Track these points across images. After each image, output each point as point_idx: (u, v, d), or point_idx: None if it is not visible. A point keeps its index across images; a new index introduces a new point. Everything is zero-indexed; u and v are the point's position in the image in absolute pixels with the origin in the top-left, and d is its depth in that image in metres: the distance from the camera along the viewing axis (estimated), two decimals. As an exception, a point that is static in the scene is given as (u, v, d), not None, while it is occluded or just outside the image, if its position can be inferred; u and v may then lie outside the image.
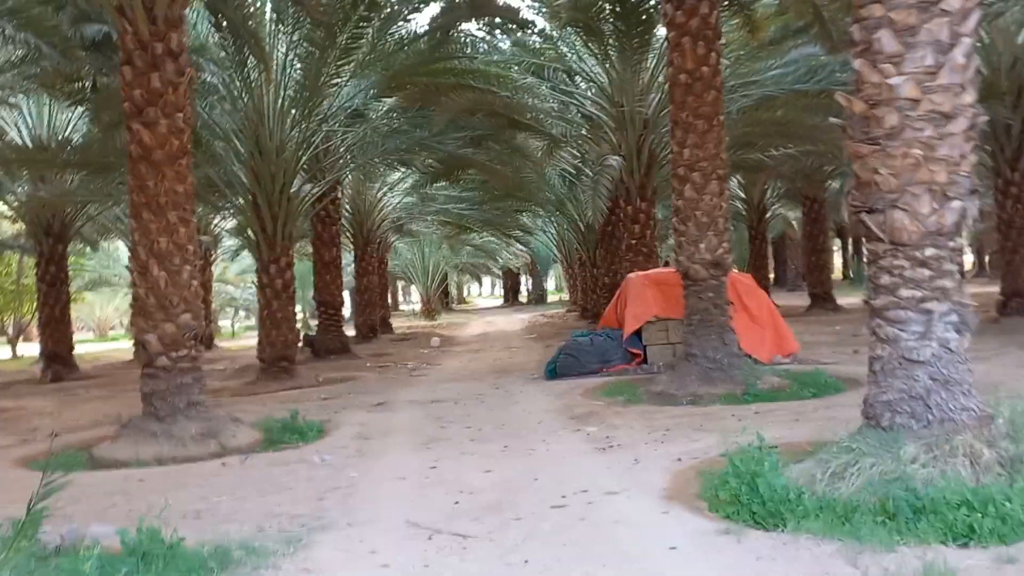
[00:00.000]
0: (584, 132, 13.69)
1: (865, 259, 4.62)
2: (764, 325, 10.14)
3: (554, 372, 10.49)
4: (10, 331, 25.36)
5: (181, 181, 7.76)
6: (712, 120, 8.61)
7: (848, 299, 22.05)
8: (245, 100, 11.85)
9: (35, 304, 17.21)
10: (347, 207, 19.99)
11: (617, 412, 7.71)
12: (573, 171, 18.38)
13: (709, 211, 8.67)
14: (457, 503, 4.89)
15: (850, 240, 38.27)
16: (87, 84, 12.06)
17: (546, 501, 4.71)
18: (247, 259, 26.26)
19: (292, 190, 12.67)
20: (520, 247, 31.12)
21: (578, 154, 17.23)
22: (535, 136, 16.12)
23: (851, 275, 31.78)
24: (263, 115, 11.88)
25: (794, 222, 32.33)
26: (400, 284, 49.24)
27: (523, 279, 51.38)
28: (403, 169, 18.75)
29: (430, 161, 16.83)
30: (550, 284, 52.55)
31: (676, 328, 10.41)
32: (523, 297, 49.39)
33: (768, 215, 22.52)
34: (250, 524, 4.73)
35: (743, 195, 20.55)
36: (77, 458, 7.17)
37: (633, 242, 13.01)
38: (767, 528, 3.84)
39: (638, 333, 10.47)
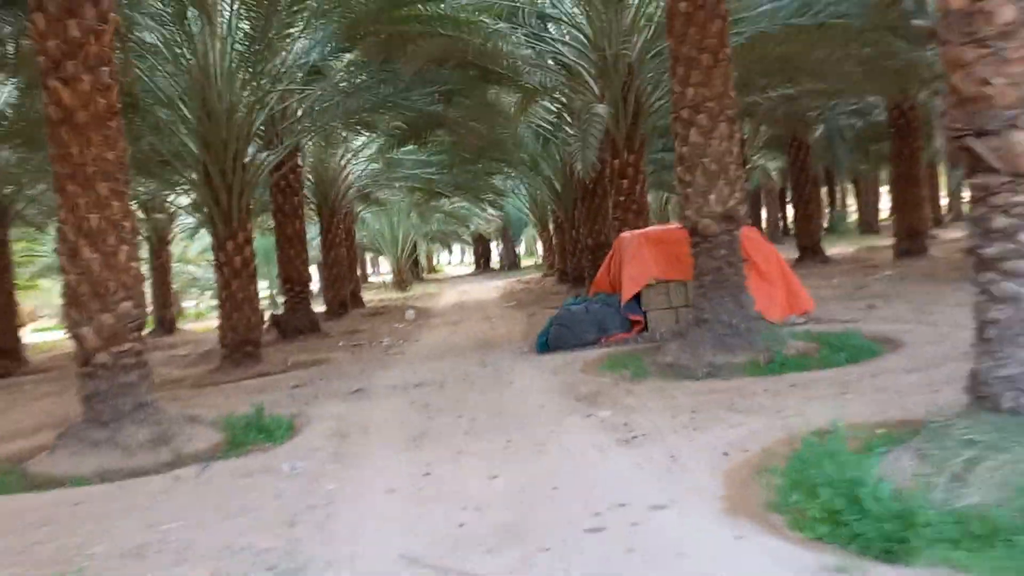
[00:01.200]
0: (562, 82, 12.57)
1: (968, 195, 3.66)
2: (774, 282, 9.24)
3: (546, 345, 9.54)
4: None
5: (111, 147, 6.63)
6: (718, 54, 7.61)
7: (834, 250, 21.32)
8: (188, 59, 10.62)
9: (-26, 295, 15.86)
10: (309, 176, 18.76)
11: (628, 390, 6.78)
12: (549, 127, 17.29)
13: (718, 157, 7.70)
14: (462, 525, 3.93)
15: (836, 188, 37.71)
16: (8, 47, 10.77)
17: (576, 521, 3.76)
18: (207, 237, 24.95)
19: (247, 158, 11.50)
20: (493, 211, 30.02)
21: (554, 108, 16.16)
22: (508, 90, 15.02)
23: (831, 225, 31.07)
24: (209, 75, 10.66)
25: (773, 172, 31.56)
26: (368, 256, 47.96)
27: (494, 245, 50.27)
28: (367, 133, 17.54)
29: (396, 123, 15.68)
30: (521, 249, 51.51)
31: (678, 291, 9.52)
32: (495, 264, 48.33)
33: (748, 165, 21.64)
34: (204, 566, 3.75)
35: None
36: (8, 476, 6.13)
37: (621, 199, 12.02)
38: (891, 560, 2.90)
39: (637, 298, 9.53)
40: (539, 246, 43.46)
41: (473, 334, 13.15)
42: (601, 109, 10.60)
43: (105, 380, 6.48)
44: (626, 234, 10.14)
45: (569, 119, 15.68)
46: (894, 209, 17.79)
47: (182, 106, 10.85)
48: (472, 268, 50.15)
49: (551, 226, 27.79)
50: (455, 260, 71.09)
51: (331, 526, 4.14)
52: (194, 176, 11.36)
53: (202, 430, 6.68)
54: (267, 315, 16.12)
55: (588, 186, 15.80)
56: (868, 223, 32.75)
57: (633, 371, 7.59)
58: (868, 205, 34.90)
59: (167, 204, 20.97)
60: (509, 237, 43.04)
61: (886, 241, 25.62)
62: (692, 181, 7.79)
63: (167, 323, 21.99)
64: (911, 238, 16.93)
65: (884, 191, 32.80)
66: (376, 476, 4.99)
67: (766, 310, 8.88)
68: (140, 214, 21.55)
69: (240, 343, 10.96)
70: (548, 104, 15.99)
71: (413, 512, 4.23)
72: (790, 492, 3.81)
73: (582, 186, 15.94)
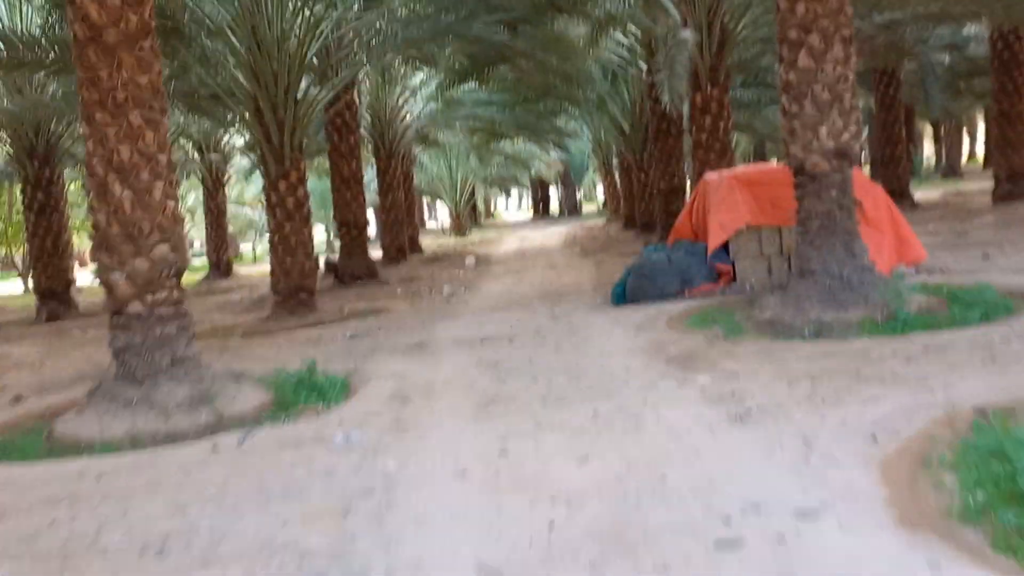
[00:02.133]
0: (638, 9, 11.43)
1: None
2: (883, 228, 8.20)
3: (623, 297, 8.68)
4: (19, 265, 24.00)
5: (145, 71, 5.89)
6: (835, -39, 6.53)
7: (917, 195, 19.82)
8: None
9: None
10: (366, 115, 17.97)
11: (727, 351, 5.90)
12: (619, 61, 16.12)
13: (832, 84, 6.65)
14: (552, 524, 3.16)
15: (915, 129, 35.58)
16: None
17: (700, 528, 2.94)
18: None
19: (299, 93, 10.73)
20: (556, 153, 28.89)
21: (625, 41, 15.01)
22: (577, 21, 13.91)
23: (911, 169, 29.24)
24: (258, 0, 9.85)
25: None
26: (426, 200, 47.28)
27: (553, 190, 49.07)
28: (426, 68, 16.61)
29: (458, 57, 14.72)
30: (580, 194, 50.22)
31: (771, 238, 8.55)
32: (554, 209, 47.22)
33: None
34: (235, 570, 3.06)
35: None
36: (34, 438, 5.57)
37: (704, 137, 10.97)
38: None
39: (725, 246, 8.58)
40: (600, 191, 42.25)
41: (538, 283, 12.35)
42: (687, 35, 9.51)
43: (139, 332, 5.84)
44: (712, 175, 9.13)
45: (642, 52, 14.55)
46: (995, 149, 16.30)
47: (230, 35, 10.08)
48: (531, 214, 49.20)
49: (616, 170, 26.61)
50: (513, 205, 70.15)
51: (391, 519, 3.41)
52: (245, 112, 10.63)
53: (248, 388, 6.02)
54: (322, 260, 15.56)
55: (661, 126, 14.70)
56: (951, 167, 30.86)
57: (726, 328, 6.71)
58: (952, 147, 32.90)
59: (222, 144, 20.42)
60: (570, 181, 41.81)
61: (972, 185, 23.99)
62: (800, 112, 6.76)
63: (223, 266, 21.66)
64: (1013, 180, 15.50)
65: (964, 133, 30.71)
66: (443, 453, 4.24)
67: (874, 259, 7.88)
68: (195, 154, 21.12)
69: (294, 290, 10.34)
70: (620, 36, 14.83)
71: (489, 504, 3.47)
72: (973, 493, 2.96)
73: (655, 125, 14.85)
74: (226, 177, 22.70)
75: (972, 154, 42.01)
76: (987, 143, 18.29)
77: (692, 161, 11.38)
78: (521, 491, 3.57)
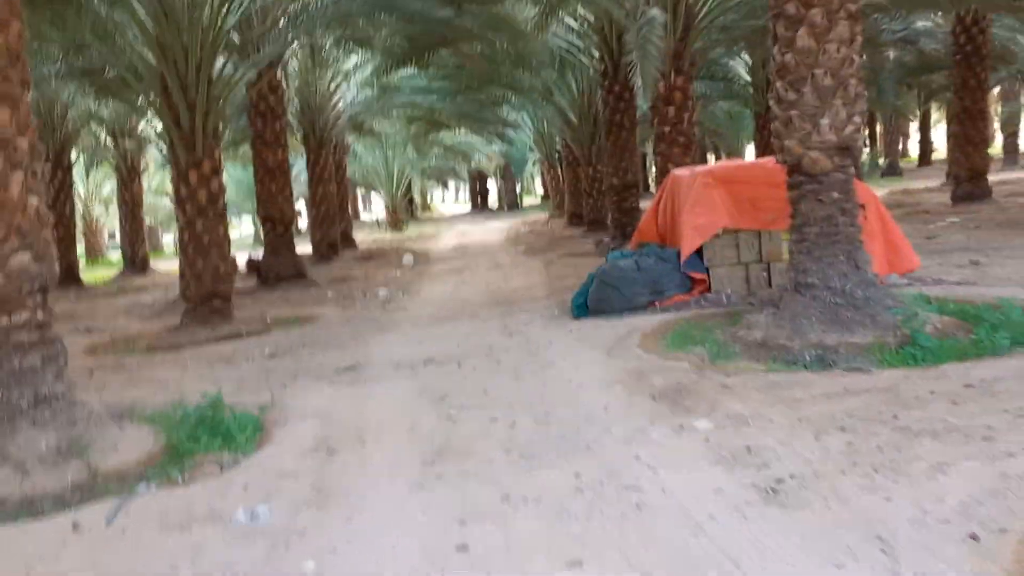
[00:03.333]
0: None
1: None
2: (873, 234, 7.34)
3: (584, 308, 7.67)
4: None
5: (-1, 28, 4.64)
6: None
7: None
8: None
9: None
10: (295, 100, 16.61)
11: (722, 384, 4.91)
12: (567, 47, 15.10)
13: (835, 68, 5.73)
14: None
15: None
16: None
17: None
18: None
19: (215, 72, 9.43)
20: (497, 145, 27.75)
21: (575, 24, 13.99)
22: (524, 2, 12.85)
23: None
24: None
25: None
26: (359, 192, 45.67)
27: (492, 183, 47.94)
28: (360, 51, 15.33)
29: (395, 41, 13.49)
30: (518, 188, 49.17)
31: (750, 243, 7.63)
32: (492, 203, 46.11)
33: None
34: None
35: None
36: None
37: (667, 129, 10.01)
38: None
39: (698, 252, 7.63)
40: (538, 184, 41.33)
41: (484, 287, 11.27)
42: (657, 14, 8.53)
43: (-7, 364, 4.60)
44: (683, 171, 8.18)
45: (595, 37, 13.55)
46: (955, 147, 15.78)
47: (133, 1, 8.72)
48: (469, 207, 48.05)
49: (560, 164, 25.61)
50: (450, 198, 68.91)
51: None
52: (150, 93, 9.29)
53: (133, 432, 4.83)
54: (243, 258, 14.22)
55: (614, 117, 13.74)
56: (892, 165, 30.74)
57: (712, 351, 5.74)
58: (892, 145, 32.84)
59: (138, 130, 18.78)
60: (510, 175, 40.73)
61: (917, 184, 23.69)
62: (797, 100, 5.82)
63: (138, 262, 20.01)
64: (973, 180, 14.99)
65: (914, 129, 30.50)
66: (379, 548, 3.13)
67: (866, 270, 7.02)
68: (108, 141, 19.45)
69: (206, 296, 9.05)
70: (570, 21, 13.81)
71: (449, 650, 2.39)
72: None
73: (607, 116, 13.88)
74: (143, 166, 21.02)
75: (906, 152, 42.27)
76: (949, 140, 17.73)
77: (654, 155, 10.41)
78: (494, 625, 2.50)
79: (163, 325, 9.92)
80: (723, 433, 4.03)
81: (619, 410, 4.65)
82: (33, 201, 4.74)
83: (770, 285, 7.42)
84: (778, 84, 5.96)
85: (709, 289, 7.61)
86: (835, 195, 5.82)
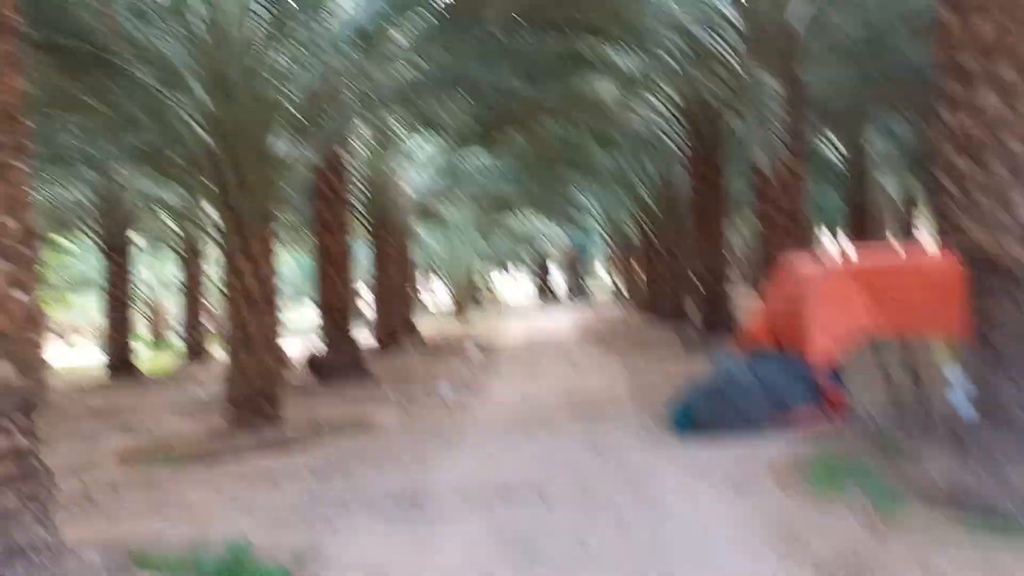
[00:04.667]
0: (691, 57, 9.35)
1: None
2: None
3: (688, 422, 6.39)
4: None
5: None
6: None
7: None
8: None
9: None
10: (359, 183, 15.88)
11: (919, 560, 3.58)
12: (643, 126, 14.10)
13: (1030, 135, 4.52)
14: None
15: None
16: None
17: None
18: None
19: (269, 149, 8.60)
20: (564, 230, 26.77)
21: (659, 102, 13.04)
22: (603, 80, 11.96)
23: None
24: (222, 28, 7.80)
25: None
26: (421, 279, 45.06)
27: (553, 269, 46.94)
28: (426, 131, 14.59)
29: (462, 119, 12.71)
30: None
31: (895, 351, 6.28)
32: (559, 291, 44.90)
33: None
34: None
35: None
36: None
37: (769, 209, 8.80)
38: None
39: (831, 360, 6.31)
40: (610, 273, 40.19)
41: (560, 387, 10.05)
42: (768, 79, 7.46)
43: (-47, 507, 3.56)
44: (805, 260, 6.93)
45: (679, 116, 12.57)
46: None
47: (185, 74, 7.99)
48: (534, 296, 47.02)
49: (634, 250, 24.42)
50: (514, 286, 67.97)
51: None
52: (197, 170, 8.51)
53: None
54: (295, 345, 13.29)
55: (700, 200, 12.62)
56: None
57: (875, 495, 4.42)
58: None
59: (197, 213, 18.27)
60: (578, 261, 39.60)
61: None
62: (980, 174, 4.60)
63: (196, 350, 19.34)
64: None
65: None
66: None
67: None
68: (171, 223, 19.01)
69: (250, 397, 8.02)
70: (653, 97, 12.87)
71: None
72: None
73: (694, 199, 12.77)
74: (204, 250, 20.58)
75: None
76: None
77: (759, 241, 9.19)
78: None
79: (207, 425, 8.91)
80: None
81: (779, 592, 3.36)
82: (20, 296, 3.76)
83: (923, 405, 6.05)
84: (951, 154, 4.75)
85: (845, 407, 6.25)
86: (1033, 295, 4.52)
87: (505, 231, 27.01)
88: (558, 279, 46.50)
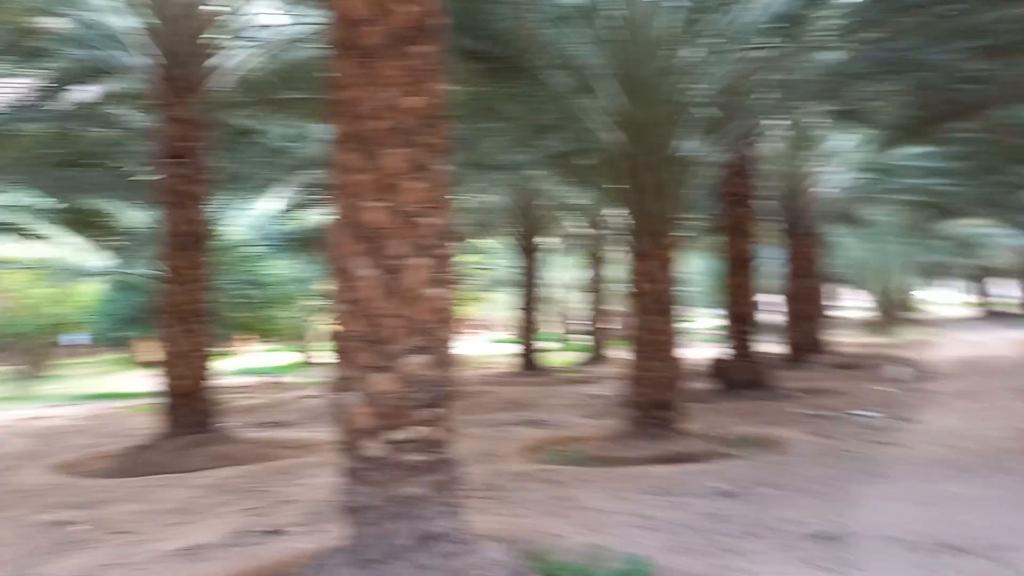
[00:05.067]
0: None
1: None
2: None
3: None
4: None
5: (412, 89, 3.90)
6: None
7: None
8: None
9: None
10: (771, 184, 14.99)
11: None
12: None
13: None
14: None
15: None
16: None
17: None
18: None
19: (674, 147, 8.27)
20: (1015, 238, 22.87)
21: None
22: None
23: None
24: (637, 25, 7.67)
25: None
26: (838, 288, 41.92)
27: (1000, 281, 40.69)
28: (851, 125, 13.28)
29: (895, 111, 11.28)
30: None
31: None
32: (1006, 306, 38.84)
33: None
34: None
35: None
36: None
37: None
38: None
39: None
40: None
41: (1014, 421, 8.40)
42: None
43: (371, 486, 3.73)
44: None
45: None
46: None
47: (598, 78, 8.02)
48: (972, 310, 41.42)
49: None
50: (945, 298, 60.78)
51: None
52: (608, 173, 8.50)
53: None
54: (695, 353, 12.85)
55: None
56: None
57: None
58: None
59: (602, 216, 18.78)
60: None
61: None
62: None
63: (597, 350, 19.99)
64: None
65: None
66: None
67: None
68: (576, 226, 19.84)
69: (648, 406, 7.80)
70: None
71: None
72: None
73: None
74: (608, 253, 21.19)
75: None
76: None
77: None
78: None
79: (606, 427, 8.91)
80: None
81: None
82: (437, 293, 3.84)
83: None
84: None
85: None
86: None
87: (941, 236, 23.89)
88: (1007, 291, 40.38)
